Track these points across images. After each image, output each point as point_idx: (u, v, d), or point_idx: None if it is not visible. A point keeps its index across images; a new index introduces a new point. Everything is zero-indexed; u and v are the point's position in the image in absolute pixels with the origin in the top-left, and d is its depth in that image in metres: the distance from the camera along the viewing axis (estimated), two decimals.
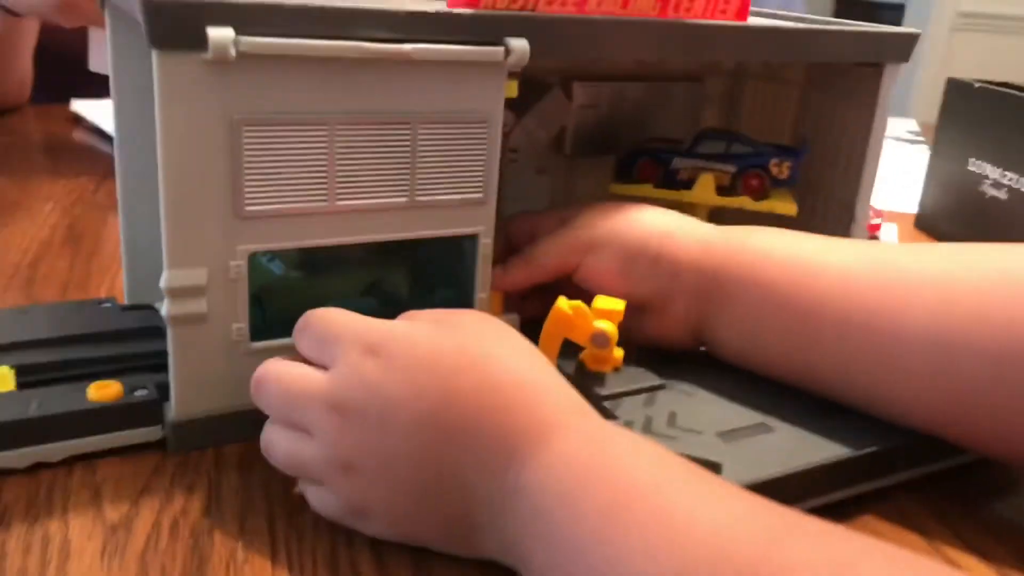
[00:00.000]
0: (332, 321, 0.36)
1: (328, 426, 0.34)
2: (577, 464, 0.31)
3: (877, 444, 0.40)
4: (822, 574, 0.25)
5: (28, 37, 0.92)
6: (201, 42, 0.35)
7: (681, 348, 0.47)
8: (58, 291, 0.55)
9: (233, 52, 0.35)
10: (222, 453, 0.40)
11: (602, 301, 0.43)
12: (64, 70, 0.98)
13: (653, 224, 0.46)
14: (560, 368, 0.44)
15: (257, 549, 0.34)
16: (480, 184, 0.43)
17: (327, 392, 0.34)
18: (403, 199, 0.41)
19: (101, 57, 0.98)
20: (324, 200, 0.40)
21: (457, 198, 0.43)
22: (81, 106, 0.95)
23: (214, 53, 0.35)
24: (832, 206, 0.59)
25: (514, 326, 0.47)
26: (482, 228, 0.44)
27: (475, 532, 0.33)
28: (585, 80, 0.58)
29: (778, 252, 0.44)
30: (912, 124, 1.35)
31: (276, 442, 0.36)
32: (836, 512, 0.39)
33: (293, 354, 0.37)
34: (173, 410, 0.40)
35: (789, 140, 0.62)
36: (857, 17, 0.60)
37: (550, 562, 0.30)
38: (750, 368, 0.45)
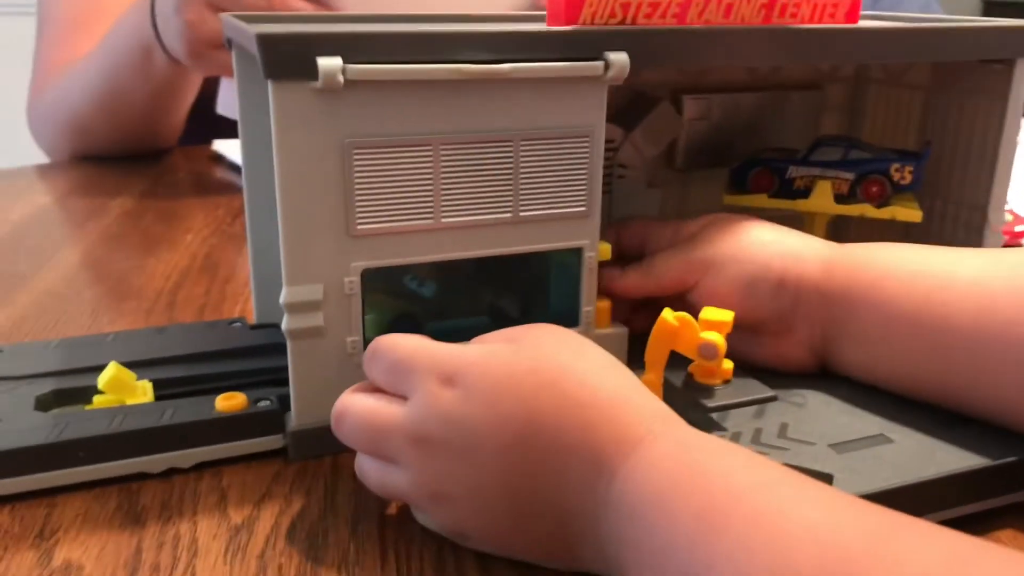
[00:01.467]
0: (403, 349, 0.36)
1: (412, 459, 0.34)
2: (667, 469, 0.30)
3: (1008, 455, 0.38)
4: (934, 570, 0.24)
5: (193, 86, 0.97)
6: (312, 71, 0.37)
7: (799, 370, 0.46)
8: (195, 313, 0.59)
9: (341, 80, 0.37)
10: (338, 460, 0.42)
11: (710, 312, 0.43)
12: (208, 113, 1.05)
13: (775, 246, 0.45)
14: (668, 381, 0.44)
15: (368, 552, 0.36)
16: (583, 198, 0.44)
17: (408, 426, 0.34)
18: (507, 215, 0.42)
19: (228, 101, 1.05)
20: (431, 218, 0.41)
21: (561, 212, 0.43)
22: (221, 145, 1.02)
23: (324, 81, 0.37)
24: (962, 211, 0.56)
25: (622, 339, 0.48)
26: (587, 242, 0.45)
27: (573, 546, 0.33)
28: (697, 92, 0.58)
29: (903, 267, 0.42)
30: None
31: (368, 471, 0.36)
32: (963, 528, 0.37)
33: (367, 382, 0.37)
34: (293, 420, 0.42)
35: (915, 146, 0.59)
36: (1006, 17, 0.57)
37: (646, 568, 0.30)
38: (877, 385, 0.44)
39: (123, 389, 0.43)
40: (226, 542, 0.36)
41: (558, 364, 0.34)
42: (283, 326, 0.40)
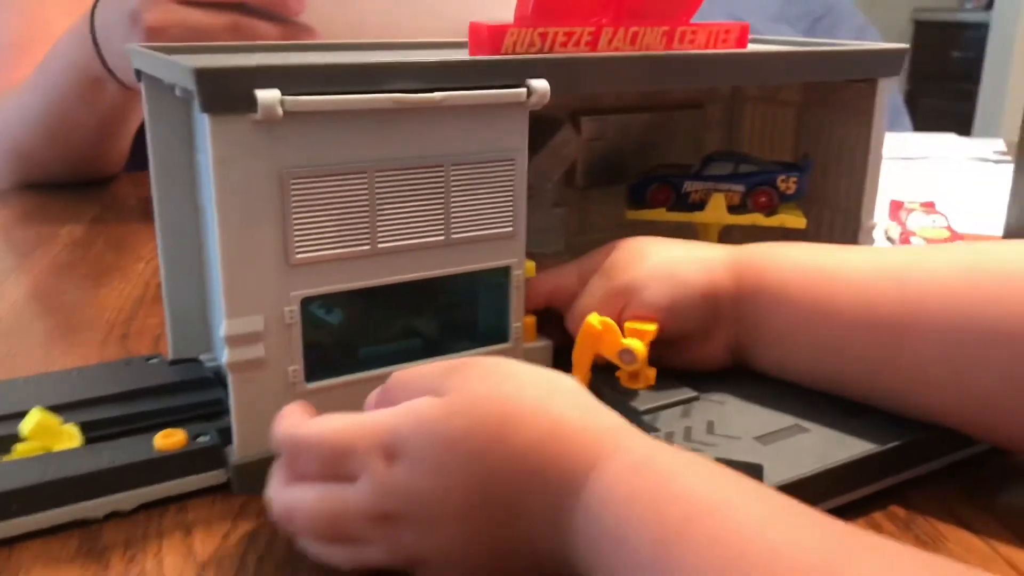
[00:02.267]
0: (332, 435, 0.35)
1: (380, 536, 0.34)
2: (623, 495, 0.31)
3: (902, 438, 0.42)
4: None
5: (138, 109, 0.93)
6: (250, 104, 0.37)
7: (718, 368, 0.49)
8: (151, 344, 0.58)
9: (280, 111, 0.38)
10: None
11: (635, 324, 0.46)
12: None
13: (688, 262, 0.47)
14: (596, 385, 0.46)
15: None
16: (510, 219, 0.46)
17: (366, 508, 0.34)
18: (440, 237, 0.44)
19: None
20: (367, 244, 0.42)
21: (489, 233, 0.45)
22: None
23: (263, 113, 0.37)
24: (838, 217, 0.61)
25: (547, 351, 0.50)
26: (514, 260, 0.46)
27: (539, 565, 0.34)
28: (590, 114, 0.61)
29: (799, 265, 0.46)
30: (999, 144, 1.28)
31: (338, 558, 0.35)
32: (867, 505, 0.41)
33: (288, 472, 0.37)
34: (235, 453, 0.42)
35: (790, 157, 0.64)
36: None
37: None
38: (787, 378, 0.47)
39: (49, 435, 0.42)
40: None
41: (497, 412, 0.33)
42: (223, 359, 0.40)
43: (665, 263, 0.47)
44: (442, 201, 0.43)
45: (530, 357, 0.49)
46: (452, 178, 0.43)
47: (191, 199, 0.49)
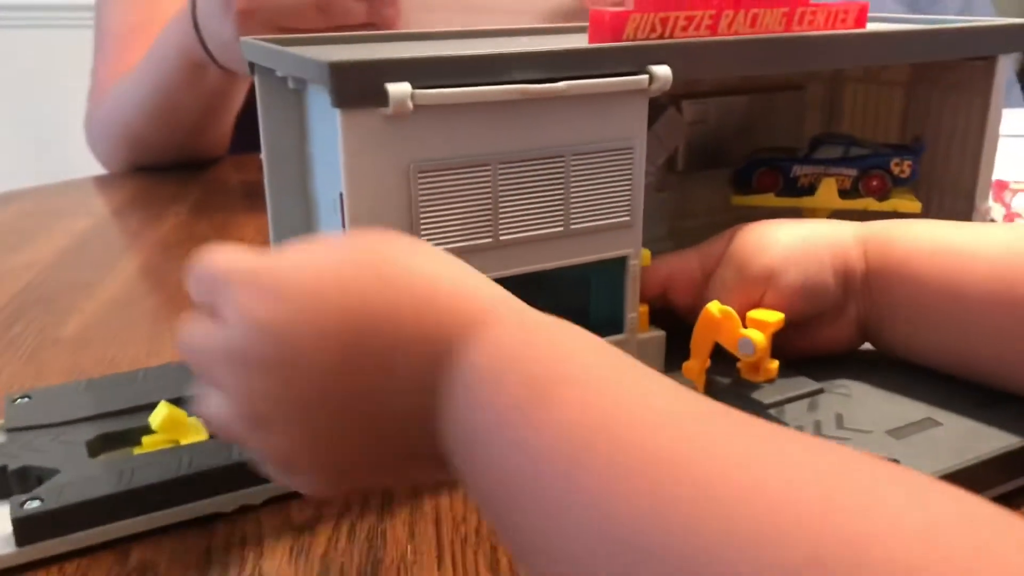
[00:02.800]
0: (217, 262, 0.32)
1: (229, 380, 0.31)
2: (506, 346, 0.28)
3: None
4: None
5: (241, 93, 0.96)
6: (381, 98, 0.37)
7: (847, 350, 0.48)
8: None
9: (411, 105, 0.37)
10: None
11: (758, 312, 0.45)
12: (255, 120, 1.03)
13: (819, 239, 0.46)
14: (716, 379, 0.45)
15: (424, 553, 0.37)
16: (628, 208, 0.45)
17: (221, 343, 0.31)
18: (559, 228, 0.43)
19: None
20: (490, 236, 0.42)
21: (607, 223, 0.44)
22: None
23: (394, 107, 0.37)
24: (948, 199, 0.60)
25: (661, 342, 0.49)
26: (631, 250, 0.46)
27: (414, 456, 0.30)
28: (691, 97, 0.60)
29: (931, 244, 0.45)
30: None
31: (205, 403, 0.33)
32: (1007, 501, 0.40)
33: None
34: None
35: (895, 138, 0.62)
36: None
37: (479, 445, 0.27)
38: (916, 360, 0.46)
39: (178, 428, 0.42)
40: (291, 543, 0.38)
41: (389, 257, 0.31)
42: None
43: (798, 245, 0.46)
44: (562, 192, 0.43)
45: (644, 347, 0.48)
46: (572, 168, 0.43)
47: (302, 189, 0.49)
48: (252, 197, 0.90)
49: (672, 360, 0.49)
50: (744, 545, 0.21)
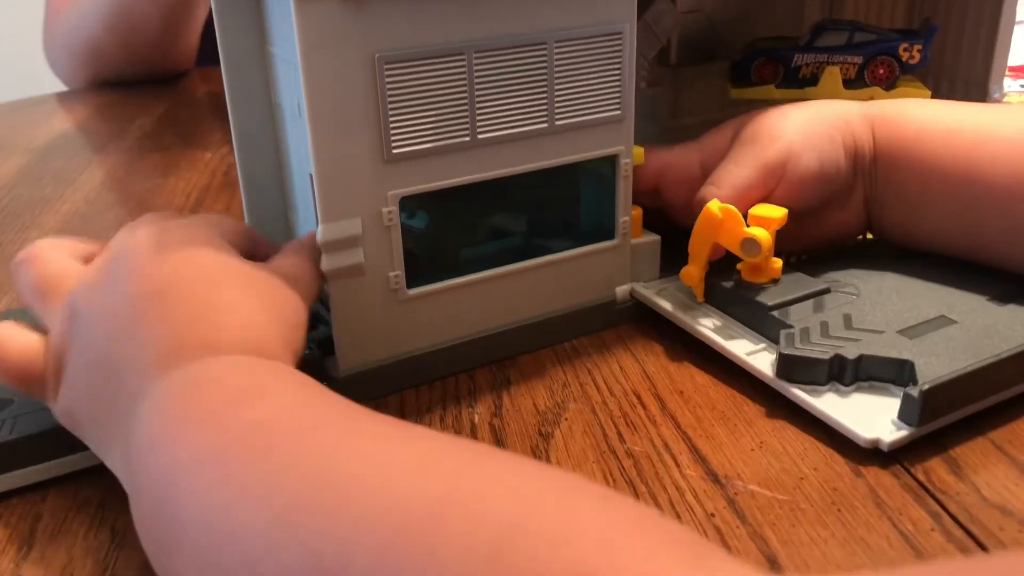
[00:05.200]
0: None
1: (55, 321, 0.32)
2: (186, 396, 0.27)
3: None
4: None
5: (204, 4, 0.95)
6: None
7: (854, 236, 0.46)
8: None
9: None
10: (384, 405, 0.40)
11: (761, 208, 0.42)
12: None
13: (828, 119, 0.43)
14: (716, 281, 0.43)
15: None
16: (617, 100, 0.41)
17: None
18: (543, 125, 0.40)
19: None
20: (467, 134, 0.38)
21: (596, 118, 0.41)
22: None
23: None
24: (959, 87, 0.56)
25: (656, 246, 0.46)
26: (622, 147, 0.42)
27: (114, 439, 0.29)
28: None
29: (942, 124, 0.42)
30: None
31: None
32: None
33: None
34: (338, 365, 0.39)
35: (902, 24, 0.58)
36: None
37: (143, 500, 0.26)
38: (921, 246, 0.44)
39: None
40: None
41: (169, 251, 0.32)
42: (322, 266, 0.37)
43: (811, 123, 0.43)
44: (545, 84, 0.39)
45: (638, 253, 0.45)
46: (556, 57, 0.39)
47: (266, 97, 0.45)
48: (220, 108, 0.88)
49: (667, 267, 0.46)
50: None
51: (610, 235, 0.44)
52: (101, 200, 0.67)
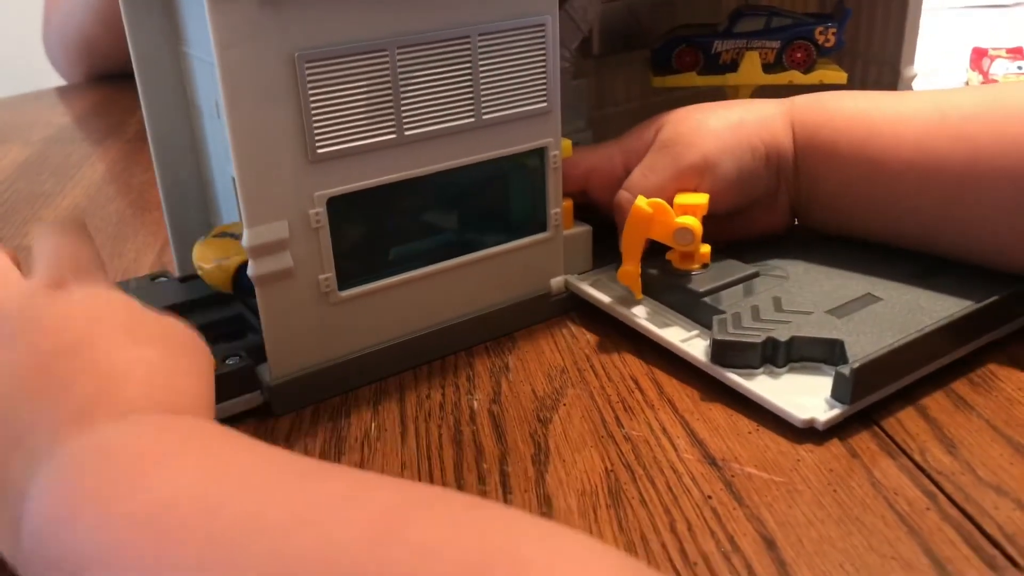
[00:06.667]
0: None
1: None
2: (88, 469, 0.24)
3: (981, 300, 0.39)
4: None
5: None
6: None
7: (780, 231, 0.46)
8: None
9: None
10: (319, 411, 0.39)
11: (684, 197, 0.42)
12: None
13: (749, 124, 0.43)
14: (648, 271, 0.43)
15: (389, 427, 0.36)
16: (543, 93, 0.41)
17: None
18: (470, 119, 0.39)
19: None
20: (393, 132, 0.37)
21: (523, 111, 0.41)
22: None
23: None
24: (872, 68, 0.57)
25: (587, 237, 0.46)
26: (550, 140, 0.42)
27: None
28: None
29: (852, 118, 0.43)
30: None
31: None
32: (962, 366, 0.38)
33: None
34: (270, 372, 0.38)
35: (816, 8, 0.59)
36: None
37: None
38: (844, 233, 0.45)
39: None
40: (254, 426, 0.38)
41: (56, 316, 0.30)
42: (249, 272, 0.36)
43: (730, 131, 0.43)
44: (470, 78, 0.39)
45: (571, 244, 0.45)
46: (480, 51, 0.39)
47: (182, 99, 0.44)
48: None
49: (599, 255, 0.46)
50: None
51: (542, 227, 0.44)
52: (101, 194, 0.68)
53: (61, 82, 1.06)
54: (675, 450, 0.35)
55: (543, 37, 0.40)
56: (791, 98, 0.45)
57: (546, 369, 0.41)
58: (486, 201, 0.43)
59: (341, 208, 0.38)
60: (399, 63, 0.37)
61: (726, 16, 0.55)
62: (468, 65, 0.39)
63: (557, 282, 0.45)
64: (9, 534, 0.25)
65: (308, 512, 0.21)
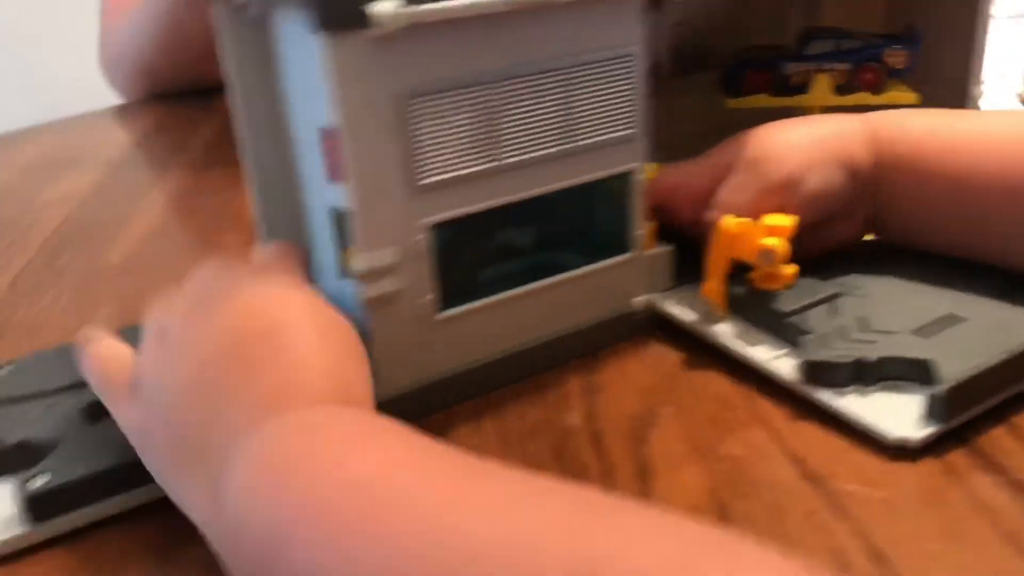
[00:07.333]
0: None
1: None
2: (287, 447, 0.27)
3: None
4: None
5: None
6: (366, 19, 0.34)
7: (855, 243, 0.47)
8: None
9: (399, 23, 0.34)
10: (423, 428, 0.40)
11: (772, 218, 0.43)
12: None
13: (830, 140, 0.44)
14: (729, 292, 0.44)
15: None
16: (632, 120, 0.43)
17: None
18: (563, 147, 0.41)
19: None
20: (492, 160, 0.39)
21: (611, 137, 0.42)
22: None
23: (383, 27, 0.34)
24: (941, 89, 0.58)
25: (668, 257, 0.47)
26: (636, 165, 0.44)
27: (195, 476, 0.29)
28: None
29: (934, 133, 0.44)
30: None
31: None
32: None
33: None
34: (378, 391, 0.40)
35: (881, 28, 0.60)
36: None
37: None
38: (924, 247, 0.46)
39: None
40: None
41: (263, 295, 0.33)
42: (360, 296, 0.38)
43: (816, 146, 0.44)
44: (563, 107, 0.40)
45: (653, 264, 0.46)
46: (572, 82, 0.40)
47: (276, 130, 0.46)
48: None
49: (680, 274, 0.47)
50: None
51: (625, 248, 0.45)
52: (175, 216, 0.70)
53: (116, 100, 1.08)
54: (774, 468, 0.36)
55: (631, 67, 0.42)
56: (868, 113, 0.46)
57: (637, 387, 0.42)
58: (573, 224, 0.45)
59: (441, 233, 0.39)
60: (499, 96, 0.38)
61: (793, 37, 0.56)
62: (562, 95, 0.40)
63: (639, 301, 0.46)
64: (206, 500, 0.28)
65: (510, 509, 0.22)
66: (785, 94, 0.55)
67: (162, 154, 0.87)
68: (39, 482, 0.34)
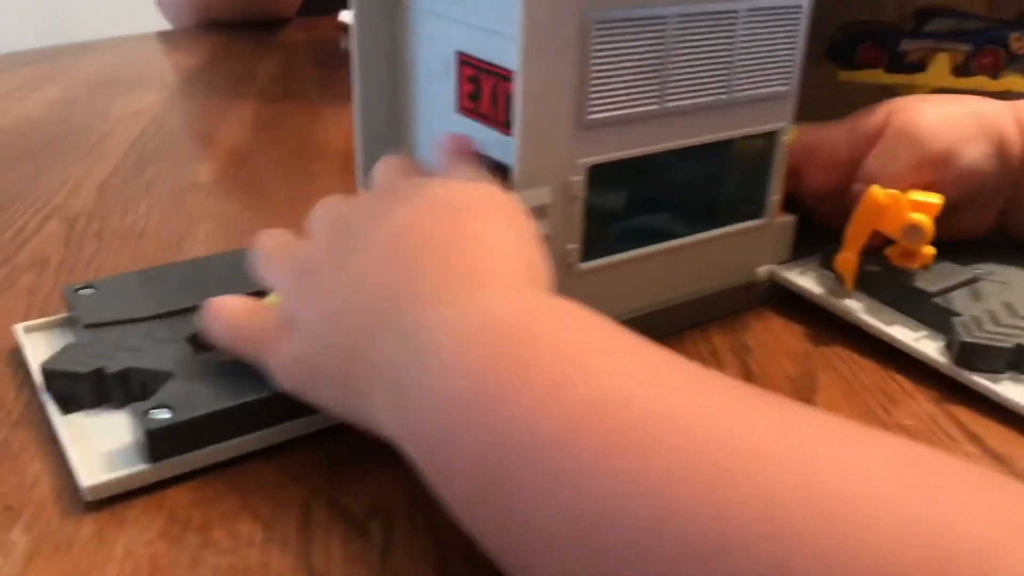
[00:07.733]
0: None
1: (288, 285, 0.33)
2: (498, 323, 0.25)
3: None
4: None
5: None
6: None
7: (982, 236, 0.45)
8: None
9: None
10: None
11: (919, 194, 0.41)
12: None
13: (987, 117, 0.42)
14: (864, 265, 0.42)
15: None
16: (788, 76, 0.40)
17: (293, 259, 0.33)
18: (722, 96, 0.38)
19: None
20: (656, 103, 0.36)
21: (767, 92, 0.40)
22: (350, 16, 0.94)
23: None
24: None
25: (792, 227, 0.45)
26: (784, 124, 0.41)
27: (374, 388, 0.27)
28: None
29: None
30: None
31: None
32: None
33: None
34: None
35: (985, 11, 0.59)
36: None
37: (424, 412, 0.25)
38: None
39: None
40: None
41: (457, 195, 0.32)
42: None
43: (974, 121, 0.42)
44: (726, 55, 0.38)
45: (777, 233, 0.44)
46: (741, 28, 0.38)
47: (391, 55, 0.42)
48: (323, 63, 0.89)
49: (801, 247, 0.45)
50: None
51: (760, 213, 0.43)
52: (259, 138, 0.67)
53: (155, 27, 1.04)
54: (955, 442, 0.34)
55: (798, 20, 0.39)
56: (1014, 101, 0.44)
57: (787, 351, 0.40)
58: (714, 183, 0.42)
59: (593, 179, 0.37)
60: (672, 35, 0.35)
61: (909, 14, 0.55)
62: (729, 41, 0.37)
63: (763, 271, 0.44)
64: (391, 410, 0.26)
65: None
66: (900, 71, 0.53)
67: (226, 82, 0.83)
68: (159, 417, 0.31)
